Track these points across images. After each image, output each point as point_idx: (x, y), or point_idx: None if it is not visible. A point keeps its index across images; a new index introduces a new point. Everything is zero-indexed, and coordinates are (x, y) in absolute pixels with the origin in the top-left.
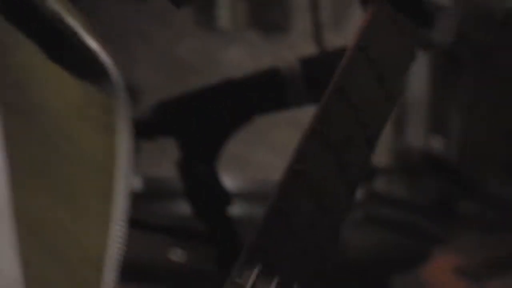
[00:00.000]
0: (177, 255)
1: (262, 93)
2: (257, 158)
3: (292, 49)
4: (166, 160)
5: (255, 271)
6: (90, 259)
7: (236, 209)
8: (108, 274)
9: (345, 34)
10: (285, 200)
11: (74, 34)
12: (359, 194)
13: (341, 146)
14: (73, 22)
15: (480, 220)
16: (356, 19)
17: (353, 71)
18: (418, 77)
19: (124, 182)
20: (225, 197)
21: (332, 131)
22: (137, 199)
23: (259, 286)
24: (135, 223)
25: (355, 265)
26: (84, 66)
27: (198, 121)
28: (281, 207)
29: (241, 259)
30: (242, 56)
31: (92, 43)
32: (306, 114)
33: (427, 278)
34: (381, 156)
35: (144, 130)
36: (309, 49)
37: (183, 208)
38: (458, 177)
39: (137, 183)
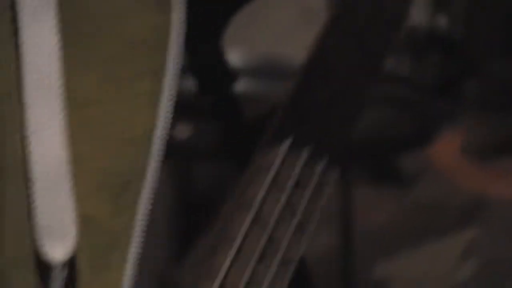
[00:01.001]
0: (181, 131)
1: None
2: (263, 34)
3: None
4: None
5: (283, 148)
6: (137, 138)
7: (241, 85)
8: (155, 154)
9: None
10: (309, 82)
11: None
12: None
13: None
14: None
15: (484, 99)
16: None
17: None
18: None
19: (175, 62)
20: (231, 73)
21: None
22: None
23: (287, 164)
24: None
25: (359, 143)
26: None
27: None
28: (305, 88)
29: (266, 138)
30: None
31: None
32: None
33: (433, 156)
34: None
35: None
36: None
37: (188, 84)
38: (463, 56)
39: None
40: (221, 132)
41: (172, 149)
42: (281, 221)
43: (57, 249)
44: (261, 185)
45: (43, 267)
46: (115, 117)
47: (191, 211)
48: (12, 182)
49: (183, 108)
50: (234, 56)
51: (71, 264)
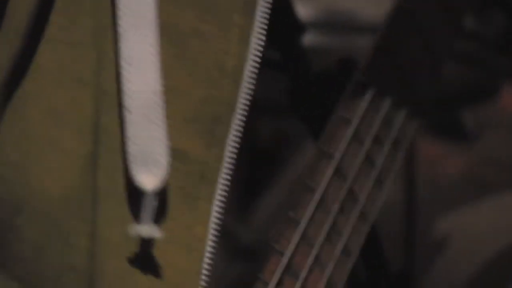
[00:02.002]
0: None
1: None
2: None
3: None
4: None
5: (364, 102)
6: (228, 70)
7: (309, 38)
8: (245, 88)
9: None
10: (392, 37)
11: None
12: None
13: None
14: None
15: None
16: None
17: None
18: None
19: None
20: (299, 26)
21: None
22: None
23: (368, 117)
24: None
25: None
26: None
27: None
28: (387, 43)
29: (348, 91)
30: None
31: None
32: None
33: (498, 111)
34: None
35: None
36: None
37: None
38: None
39: None
40: (288, 85)
41: None
42: (360, 175)
43: (149, 178)
44: (343, 138)
45: (134, 196)
46: (211, 49)
47: (254, 164)
48: (108, 113)
49: None
50: (302, 9)
51: (162, 194)
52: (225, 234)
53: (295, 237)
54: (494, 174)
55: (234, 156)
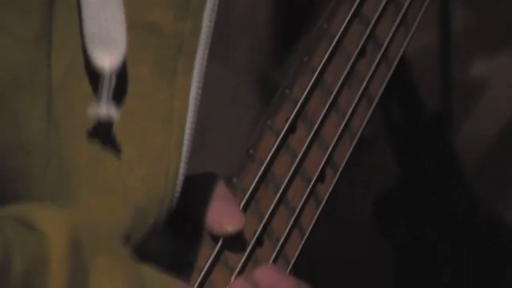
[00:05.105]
0: None
1: None
2: None
3: None
4: None
5: None
6: None
7: None
8: None
9: None
10: None
11: None
12: None
13: None
14: None
15: None
16: None
17: None
18: None
19: None
20: None
21: None
22: None
23: None
24: None
25: None
26: None
27: None
28: None
29: None
30: None
31: None
32: None
33: None
34: None
35: None
36: None
37: None
38: None
39: None
40: None
41: None
42: (384, 18)
43: (106, 57)
44: None
45: (94, 76)
46: None
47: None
48: None
49: None
50: None
51: (122, 74)
52: (263, 80)
53: (310, 83)
54: None
55: (211, 29)
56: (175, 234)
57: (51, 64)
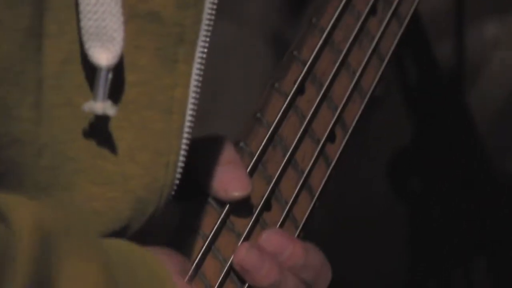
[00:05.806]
0: None
1: None
2: None
3: None
4: None
5: None
6: None
7: None
8: None
9: None
10: None
11: None
12: None
13: None
14: None
15: None
16: None
17: None
18: None
19: None
20: None
21: None
22: None
23: None
24: None
25: None
26: None
27: None
28: None
29: None
30: None
31: None
32: None
33: None
34: None
35: None
36: None
37: None
38: None
39: None
40: None
41: None
42: None
43: (103, 54)
44: None
45: (90, 70)
46: None
47: None
48: None
49: None
50: None
51: (118, 70)
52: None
53: (319, 43)
54: None
55: (213, 17)
56: (180, 200)
57: (43, 55)
